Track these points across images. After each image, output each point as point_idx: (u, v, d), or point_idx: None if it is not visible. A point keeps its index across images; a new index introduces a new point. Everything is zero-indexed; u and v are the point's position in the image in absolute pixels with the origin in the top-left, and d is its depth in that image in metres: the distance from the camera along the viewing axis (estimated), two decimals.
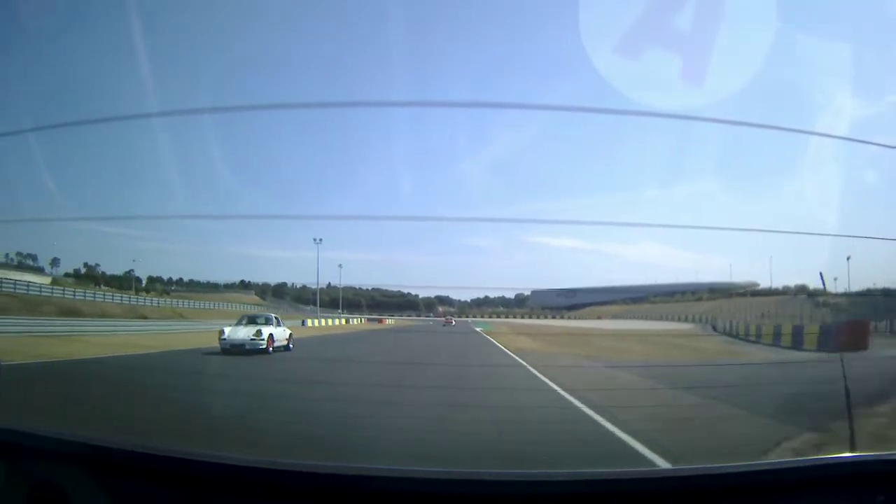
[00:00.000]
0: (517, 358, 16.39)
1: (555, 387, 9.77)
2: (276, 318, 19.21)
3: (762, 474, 1.79)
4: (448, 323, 53.19)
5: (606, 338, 27.76)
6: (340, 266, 71.09)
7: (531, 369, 13.05)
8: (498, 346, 22.29)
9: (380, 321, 61.08)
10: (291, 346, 18.97)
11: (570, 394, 8.74)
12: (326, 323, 47.93)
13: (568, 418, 7.04)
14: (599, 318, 64.96)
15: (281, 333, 18.40)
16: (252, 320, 18.67)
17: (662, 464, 4.59)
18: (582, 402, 7.83)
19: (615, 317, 63.55)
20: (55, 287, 46.11)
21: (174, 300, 53.17)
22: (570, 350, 20.22)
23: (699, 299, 65.65)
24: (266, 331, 17.25)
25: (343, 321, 55.98)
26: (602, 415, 6.91)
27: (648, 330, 36.94)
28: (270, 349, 17.01)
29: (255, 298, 72.03)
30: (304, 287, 77.89)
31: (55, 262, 55.37)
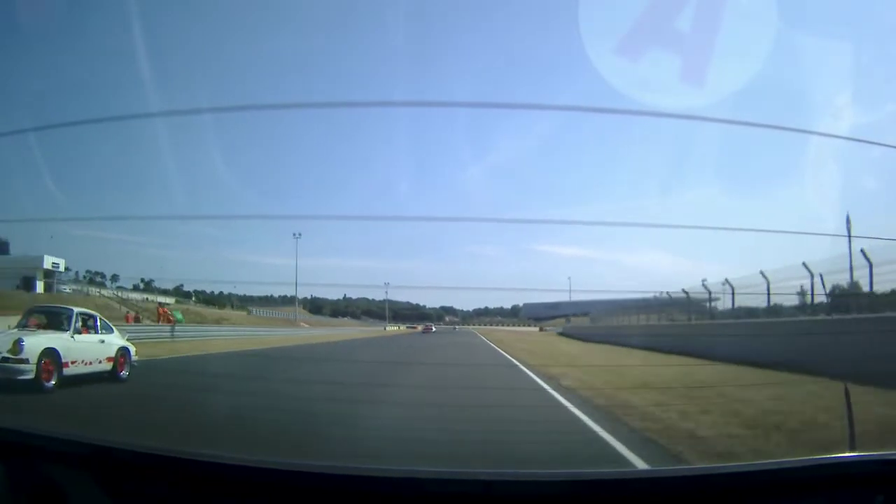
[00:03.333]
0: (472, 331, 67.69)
1: (471, 329, 72.93)
2: (83, 315, 9.94)
3: (761, 474, 1.76)
4: (427, 330, 64.12)
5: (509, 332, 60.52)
6: (387, 284, 77.19)
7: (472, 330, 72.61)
8: (470, 332, 62.33)
9: (415, 328, 79.90)
10: (125, 373, 10.29)
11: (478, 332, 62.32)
12: (392, 329, 73.19)
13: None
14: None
15: (91, 349, 9.46)
16: (55, 319, 9.70)
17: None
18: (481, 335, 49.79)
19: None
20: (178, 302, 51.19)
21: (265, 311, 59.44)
22: (488, 334, 54.26)
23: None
24: (36, 342, 8.41)
25: (398, 328, 77.04)
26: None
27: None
28: (51, 382, 8.41)
29: (303, 311, 71.90)
30: (339, 300, 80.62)
31: (115, 277, 54.65)
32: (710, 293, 21.58)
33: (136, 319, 30.56)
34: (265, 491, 1.71)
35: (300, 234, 53.89)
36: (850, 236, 16.77)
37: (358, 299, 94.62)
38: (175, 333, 26.52)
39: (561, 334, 46.22)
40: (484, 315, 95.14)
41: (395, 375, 13.53)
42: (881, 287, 13.37)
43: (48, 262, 39.73)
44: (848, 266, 13.35)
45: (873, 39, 28.17)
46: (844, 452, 1.93)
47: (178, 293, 56.43)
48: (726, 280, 20.16)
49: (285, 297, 75.13)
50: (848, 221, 17.62)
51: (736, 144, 45.80)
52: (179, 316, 34.41)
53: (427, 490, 1.67)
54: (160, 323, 30.38)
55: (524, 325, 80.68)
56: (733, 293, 19.83)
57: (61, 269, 41.82)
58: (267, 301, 74.14)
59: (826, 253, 14.38)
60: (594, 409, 7.95)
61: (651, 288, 24.16)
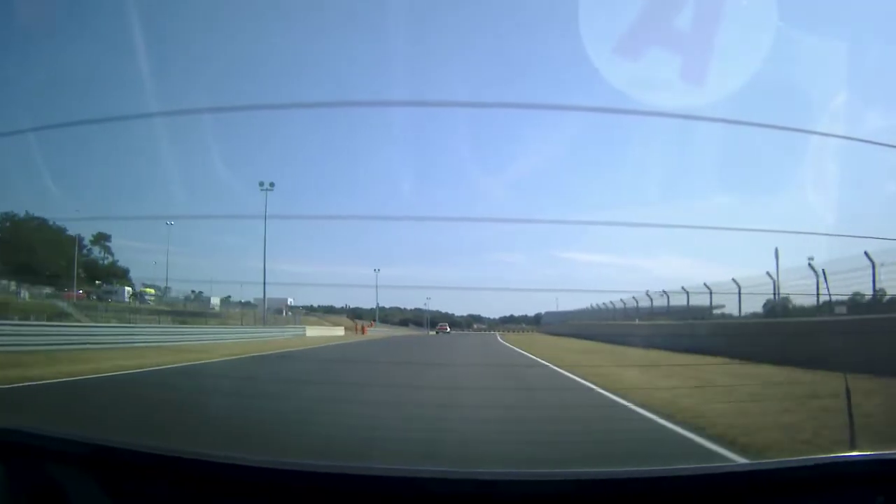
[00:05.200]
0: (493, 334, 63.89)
1: (494, 334, 60.23)
2: None
3: (761, 474, 1.76)
4: (442, 329, 67.79)
5: (516, 334, 63.00)
6: (429, 299, 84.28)
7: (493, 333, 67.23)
8: (492, 334, 59.79)
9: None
10: None
11: (498, 336, 52.44)
12: (432, 333, 74.21)
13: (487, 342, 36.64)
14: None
15: None
16: None
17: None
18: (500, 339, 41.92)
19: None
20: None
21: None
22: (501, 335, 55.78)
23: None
24: None
25: (436, 332, 79.74)
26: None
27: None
28: None
29: (347, 320, 74.37)
30: (372, 308, 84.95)
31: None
32: (668, 296, 25.04)
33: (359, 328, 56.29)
34: (265, 491, 1.70)
35: (379, 269, 66.04)
36: (777, 262, 20.08)
37: (391, 308, 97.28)
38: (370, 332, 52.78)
39: (543, 333, 61.25)
40: (509, 322, 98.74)
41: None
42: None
43: (289, 301, 60.49)
44: (818, 271, 15.25)
45: (881, 41, 27.96)
46: (844, 452, 1.92)
47: (226, 303, 56.91)
48: (705, 284, 22.13)
49: (324, 306, 78.24)
50: (776, 252, 21.28)
51: (755, 146, 45.00)
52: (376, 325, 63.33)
53: (428, 490, 1.66)
54: (371, 325, 60.28)
55: (537, 332, 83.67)
56: (688, 295, 23.02)
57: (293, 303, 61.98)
58: (311, 310, 75.59)
59: (825, 255, 15.44)
60: (507, 342, 33.21)
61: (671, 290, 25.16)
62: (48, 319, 27.59)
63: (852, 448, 2.23)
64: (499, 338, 43.05)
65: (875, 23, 26.22)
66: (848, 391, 2.38)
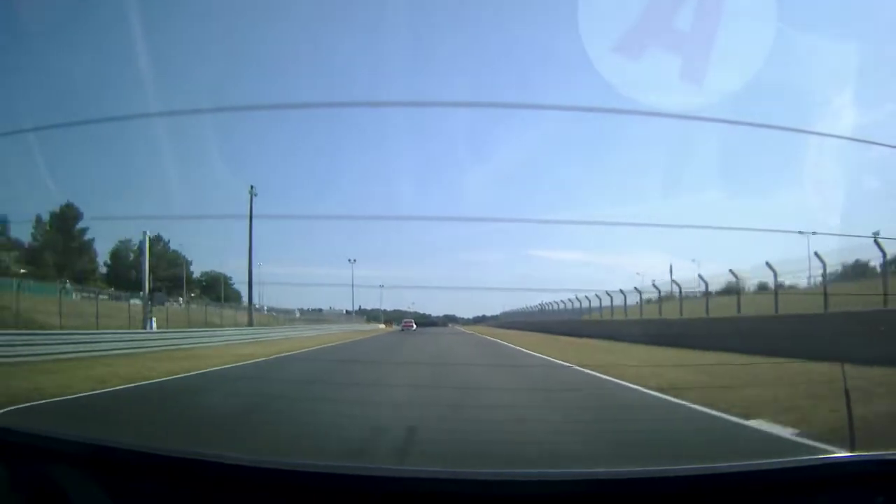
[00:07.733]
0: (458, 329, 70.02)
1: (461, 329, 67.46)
2: None
3: (762, 474, 1.74)
4: (407, 326, 67.80)
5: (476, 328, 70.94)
6: (413, 303, 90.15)
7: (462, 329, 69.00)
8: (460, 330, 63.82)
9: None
10: None
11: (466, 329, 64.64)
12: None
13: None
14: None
15: None
16: None
17: None
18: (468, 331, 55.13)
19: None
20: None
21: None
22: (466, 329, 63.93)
23: None
24: None
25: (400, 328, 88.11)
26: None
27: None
28: None
29: (363, 320, 77.61)
30: (356, 310, 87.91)
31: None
32: (611, 296, 28.36)
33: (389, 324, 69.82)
34: (265, 490, 1.69)
35: (382, 286, 73.69)
36: (671, 273, 24.91)
37: (372, 309, 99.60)
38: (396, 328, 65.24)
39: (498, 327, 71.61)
40: (482, 321, 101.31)
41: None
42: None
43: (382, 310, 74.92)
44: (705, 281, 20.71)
45: (876, 39, 28.11)
46: (844, 452, 1.92)
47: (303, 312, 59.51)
48: (621, 290, 26.47)
49: (314, 309, 78.91)
50: (671, 268, 26.92)
51: (738, 144, 45.25)
52: (398, 325, 69.02)
53: (427, 490, 1.65)
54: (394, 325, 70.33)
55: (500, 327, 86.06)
56: (612, 298, 27.23)
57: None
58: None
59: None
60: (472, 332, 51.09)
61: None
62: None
63: (852, 448, 2.22)
64: (458, 326, 73.33)
65: (875, 22, 26.33)
66: (847, 391, 2.36)
